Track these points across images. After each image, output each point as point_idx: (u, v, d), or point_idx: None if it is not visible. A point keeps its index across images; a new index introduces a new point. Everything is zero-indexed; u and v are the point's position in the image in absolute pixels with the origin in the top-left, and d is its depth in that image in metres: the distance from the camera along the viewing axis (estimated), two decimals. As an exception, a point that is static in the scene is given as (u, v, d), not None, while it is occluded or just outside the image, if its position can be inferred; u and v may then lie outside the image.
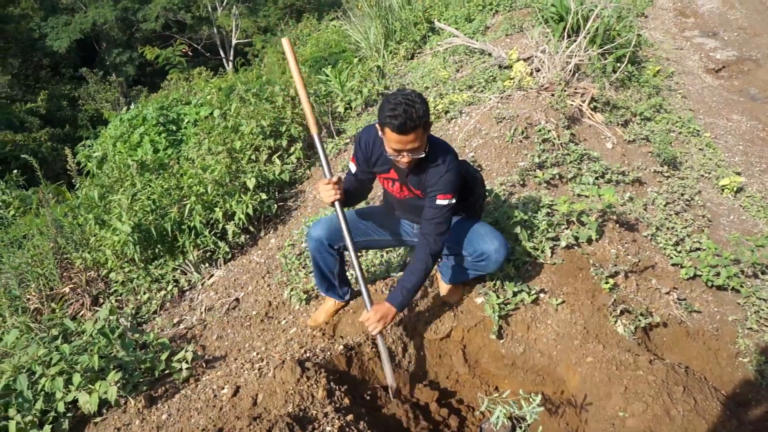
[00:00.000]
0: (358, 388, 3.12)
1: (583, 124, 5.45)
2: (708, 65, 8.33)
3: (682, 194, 4.88)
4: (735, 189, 5.26)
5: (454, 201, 2.92)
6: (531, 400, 2.45)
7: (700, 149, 5.93)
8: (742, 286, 3.80)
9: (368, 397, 3.02)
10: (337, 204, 2.94)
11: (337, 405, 2.68)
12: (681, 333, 3.38)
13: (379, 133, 2.81)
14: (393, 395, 3.04)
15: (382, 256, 4.15)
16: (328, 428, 2.46)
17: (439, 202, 2.89)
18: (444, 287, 3.52)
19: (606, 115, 5.67)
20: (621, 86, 6.54)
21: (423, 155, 2.79)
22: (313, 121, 2.97)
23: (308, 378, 2.80)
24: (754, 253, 3.84)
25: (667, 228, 4.28)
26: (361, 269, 2.97)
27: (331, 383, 2.90)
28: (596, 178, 4.65)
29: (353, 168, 3.13)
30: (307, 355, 3.08)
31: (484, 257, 3.09)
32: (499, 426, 2.61)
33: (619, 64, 6.40)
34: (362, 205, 3.91)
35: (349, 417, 2.61)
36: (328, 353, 3.10)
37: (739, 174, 5.60)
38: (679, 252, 3.97)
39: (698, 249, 4.03)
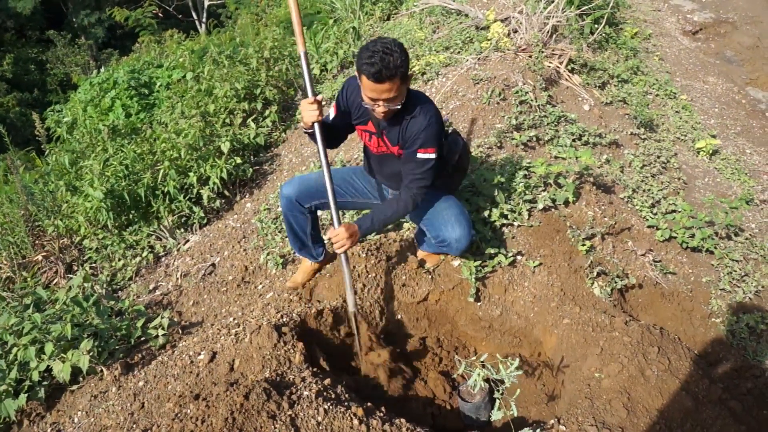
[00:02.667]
0: (335, 351, 3.12)
1: (560, 86, 5.41)
2: (685, 27, 8.31)
3: (659, 157, 4.90)
4: (710, 151, 5.29)
5: (435, 156, 2.87)
6: (509, 363, 2.46)
7: (676, 112, 5.94)
8: (715, 248, 3.84)
9: (345, 362, 3.02)
10: (316, 126, 2.84)
11: (314, 369, 2.67)
12: (656, 294, 3.41)
13: (358, 81, 2.75)
14: (354, 320, 2.98)
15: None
16: (306, 393, 2.45)
17: (420, 155, 2.84)
18: (420, 253, 3.53)
19: (583, 77, 5.64)
20: (599, 48, 6.50)
21: (399, 107, 2.73)
22: (302, 39, 2.84)
23: (285, 343, 2.78)
24: (728, 215, 3.87)
25: (644, 190, 4.30)
26: (334, 192, 2.88)
27: (309, 348, 2.89)
28: (573, 140, 4.64)
29: (331, 113, 3.06)
30: (284, 320, 3.05)
31: (445, 244, 3.10)
32: (477, 389, 2.62)
33: (596, 26, 6.34)
34: (343, 166, 3.83)
35: (327, 381, 2.60)
36: (304, 317, 3.08)
37: (714, 137, 5.63)
38: (655, 214, 4.00)
39: (674, 211, 4.06)
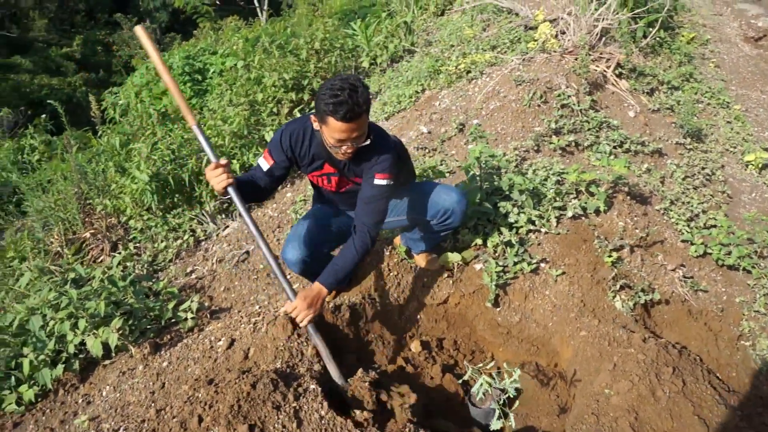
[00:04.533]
0: (352, 346, 3.16)
1: (606, 90, 5.30)
2: (747, 33, 7.97)
3: (703, 168, 4.75)
4: (760, 165, 5.09)
5: (392, 183, 2.77)
6: (513, 372, 2.45)
7: (728, 122, 5.73)
8: (753, 267, 3.71)
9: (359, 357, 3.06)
10: (231, 189, 2.60)
11: (323, 364, 2.71)
12: (682, 312, 3.33)
13: (315, 125, 2.66)
14: (346, 392, 2.66)
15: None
16: (312, 386, 2.50)
17: (377, 181, 2.73)
18: (418, 258, 3.50)
19: (631, 83, 5.51)
20: (651, 53, 6.32)
21: (368, 143, 2.64)
22: (187, 110, 2.62)
23: (299, 335, 2.84)
24: (769, 233, 3.74)
25: (683, 203, 4.19)
26: (276, 260, 2.70)
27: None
28: (614, 147, 4.55)
29: (265, 164, 2.81)
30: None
31: (448, 213, 3.04)
32: (479, 396, 2.62)
33: (650, 30, 6.17)
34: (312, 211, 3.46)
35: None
36: (322, 311, 3.12)
37: (767, 150, 5.41)
38: (692, 228, 3.89)
39: (713, 226, 3.94)
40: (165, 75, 2.56)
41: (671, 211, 4.03)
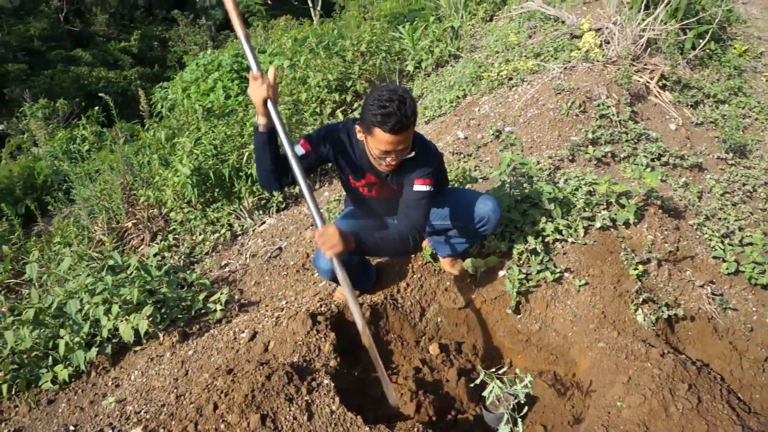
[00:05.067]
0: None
1: (648, 102, 5.23)
2: (806, 47, 7.73)
3: (744, 184, 4.64)
4: (806, 183, 4.94)
5: (432, 189, 2.76)
6: (523, 378, 2.46)
7: (775, 138, 5.58)
8: (788, 288, 3.62)
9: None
10: (269, 103, 2.46)
11: (339, 360, 2.77)
12: (707, 329, 3.27)
13: (359, 135, 2.65)
14: (364, 342, 2.65)
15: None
16: (326, 381, 2.56)
17: (417, 187, 2.72)
18: (444, 262, 3.53)
19: (675, 95, 5.41)
20: (699, 65, 6.20)
21: (412, 155, 2.64)
22: (239, 21, 2.49)
23: (318, 331, 2.91)
24: (807, 255, 3.63)
25: (719, 218, 4.10)
26: (307, 185, 2.54)
27: (342, 339, 3.00)
28: (651, 160, 4.49)
29: (300, 150, 2.71)
30: (323, 309, 3.18)
31: (484, 220, 3.06)
32: (490, 400, 2.63)
33: (700, 41, 6.05)
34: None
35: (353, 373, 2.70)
36: (342, 309, 3.19)
37: (814, 168, 5.24)
38: (725, 245, 3.81)
39: (750, 244, 3.85)
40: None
41: (705, 226, 3.96)
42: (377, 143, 2.51)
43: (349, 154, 2.80)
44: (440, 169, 3.03)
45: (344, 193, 5.04)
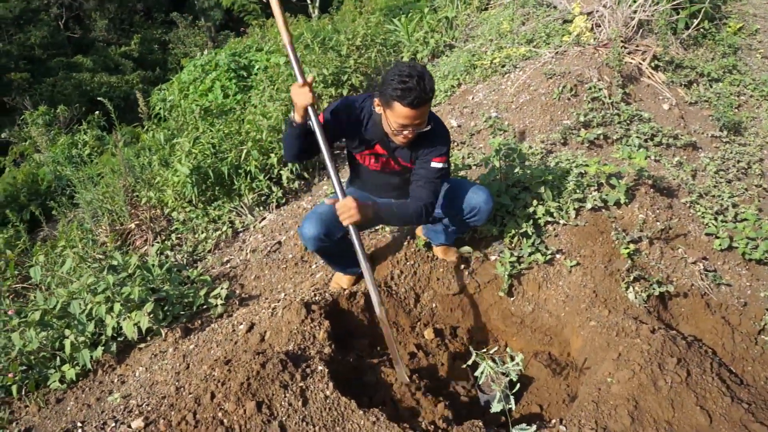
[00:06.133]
0: (366, 332, 3.26)
1: (641, 83, 5.24)
2: (801, 22, 7.69)
3: (739, 161, 4.65)
4: (801, 158, 4.94)
5: (447, 166, 2.92)
6: (515, 357, 2.50)
7: (771, 114, 5.57)
8: (782, 262, 3.65)
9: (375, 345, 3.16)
10: (310, 109, 2.67)
11: (333, 347, 2.82)
12: (700, 305, 3.30)
13: (377, 109, 2.75)
14: (385, 320, 2.82)
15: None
16: (320, 367, 2.61)
17: (434, 164, 2.86)
18: (437, 250, 3.57)
19: (668, 75, 5.42)
20: (693, 44, 6.19)
21: (428, 128, 2.75)
22: (284, 28, 2.69)
23: (312, 320, 2.96)
24: (799, 227, 3.65)
25: (712, 196, 4.12)
26: (335, 165, 2.76)
27: (337, 326, 3.05)
28: (645, 141, 4.51)
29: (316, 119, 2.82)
30: (317, 298, 3.23)
31: (475, 210, 3.10)
32: (482, 380, 2.67)
33: (693, 21, 6.04)
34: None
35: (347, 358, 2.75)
36: (337, 297, 3.24)
37: (810, 142, 5.24)
38: (718, 222, 3.83)
39: (744, 219, 3.86)
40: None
41: (698, 204, 3.97)
42: (396, 117, 2.63)
43: (362, 125, 2.92)
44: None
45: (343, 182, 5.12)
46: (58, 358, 3.44)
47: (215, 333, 3.43)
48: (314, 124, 2.70)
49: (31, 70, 18.37)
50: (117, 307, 3.53)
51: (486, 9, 9.28)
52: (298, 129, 2.78)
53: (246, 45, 9.26)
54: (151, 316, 3.53)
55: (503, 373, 2.50)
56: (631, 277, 3.23)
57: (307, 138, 2.82)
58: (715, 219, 3.86)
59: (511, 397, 2.48)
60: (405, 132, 2.70)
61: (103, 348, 3.49)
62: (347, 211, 2.65)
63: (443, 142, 2.89)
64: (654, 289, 3.22)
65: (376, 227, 3.86)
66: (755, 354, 3.10)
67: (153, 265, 4.02)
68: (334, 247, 3.13)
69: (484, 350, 2.64)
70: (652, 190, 3.85)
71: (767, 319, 3.33)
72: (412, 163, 2.97)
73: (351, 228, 2.72)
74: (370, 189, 3.32)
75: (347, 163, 3.37)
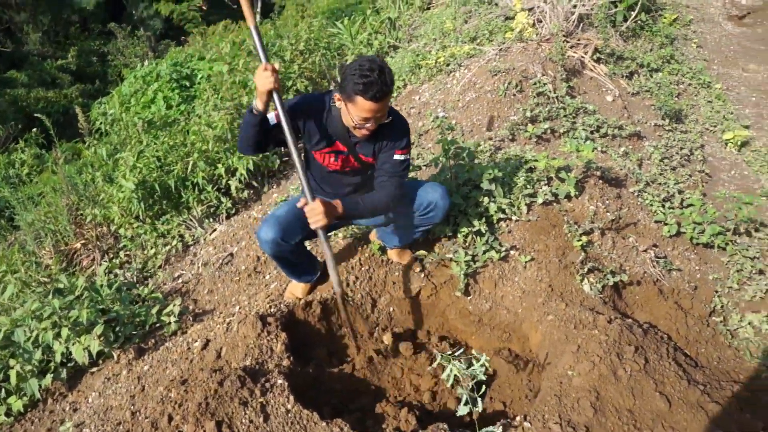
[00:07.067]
0: (324, 341, 3.21)
1: (584, 76, 5.32)
2: (731, 11, 7.96)
3: (681, 149, 4.77)
4: (739, 143, 5.10)
5: (409, 158, 2.94)
6: (480, 358, 2.49)
7: (708, 101, 5.74)
8: (728, 244, 3.74)
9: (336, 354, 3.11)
10: (275, 94, 2.63)
11: (292, 359, 2.77)
12: (653, 292, 3.36)
13: (338, 104, 2.75)
14: (340, 301, 2.94)
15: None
16: (279, 381, 2.55)
17: (396, 157, 2.89)
18: (392, 253, 3.55)
19: (610, 67, 5.53)
20: (632, 36, 6.34)
21: (390, 120, 2.78)
22: (248, 8, 2.65)
23: (269, 333, 2.89)
24: (742, 210, 3.75)
25: (659, 184, 4.21)
26: (303, 163, 2.77)
27: (294, 338, 2.99)
28: (591, 133, 4.58)
29: (275, 120, 2.79)
30: (272, 310, 3.16)
31: (431, 206, 3.10)
32: (450, 383, 2.65)
33: (630, 13, 6.18)
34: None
35: (306, 370, 2.69)
36: (293, 308, 3.18)
37: (747, 127, 5.41)
38: (666, 209, 3.91)
39: (690, 205, 3.95)
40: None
41: (646, 192, 4.06)
42: (359, 111, 2.63)
43: (321, 122, 2.89)
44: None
45: (294, 194, 5.04)
46: (3, 389, 3.28)
47: (170, 352, 3.33)
48: (279, 108, 2.65)
49: (-40, 88, 17.66)
50: (65, 331, 3.39)
51: (428, 8, 9.33)
52: (259, 116, 2.72)
53: (187, 54, 9.09)
54: (102, 338, 3.41)
55: (469, 375, 2.49)
56: (586, 269, 3.27)
57: (265, 130, 2.78)
58: (663, 206, 3.94)
59: (479, 399, 2.47)
60: (367, 125, 2.71)
61: (52, 375, 3.36)
62: (315, 215, 2.70)
63: (404, 133, 2.91)
64: (608, 279, 3.26)
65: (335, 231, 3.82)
66: (707, 336, 3.17)
67: (101, 285, 3.89)
68: (290, 251, 3.09)
69: (450, 353, 2.63)
70: (600, 181, 3.91)
71: (717, 302, 3.42)
72: (373, 157, 2.97)
73: (319, 232, 2.79)
74: (327, 191, 3.25)
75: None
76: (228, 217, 5.58)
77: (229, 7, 17.09)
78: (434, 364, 2.64)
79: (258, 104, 2.68)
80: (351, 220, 3.31)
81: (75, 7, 22.07)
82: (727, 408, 2.52)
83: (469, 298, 3.31)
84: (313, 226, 2.75)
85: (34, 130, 8.34)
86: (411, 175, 4.10)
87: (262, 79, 2.60)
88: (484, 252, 3.36)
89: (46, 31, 22.04)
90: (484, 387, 2.71)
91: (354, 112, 2.66)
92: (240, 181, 5.67)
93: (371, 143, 2.92)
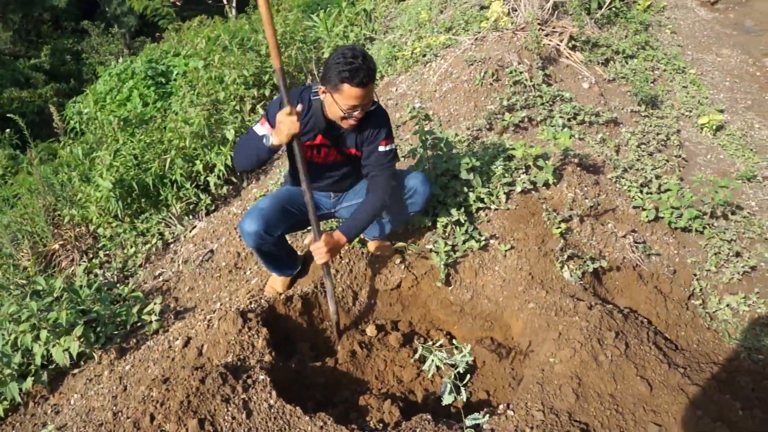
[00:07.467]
0: (306, 336, 3.20)
1: (560, 64, 5.33)
2: (704, -3, 8.05)
3: (658, 134, 4.80)
4: (714, 127, 5.15)
5: (395, 146, 2.97)
6: (462, 348, 2.49)
7: (683, 87, 5.78)
8: (705, 228, 3.78)
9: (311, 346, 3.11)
10: (295, 139, 2.64)
11: (273, 354, 2.75)
12: (633, 277, 3.38)
13: (322, 96, 2.76)
14: (336, 330, 3.08)
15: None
16: (261, 377, 2.54)
17: (382, 149, 2.93)
18: (371, 245, 3.56)
19: (586, 54, 5.55)
20: (607, 23, 6.36)
21: (375, 107, 2.83)
22: (276, 52, 2.50)
23: (250, 329, 2.87)
24: (718, 194, 3.79)
25: (636, 169, 4.24)
26: (312, 201, 2.78)
27: (276, 333, 2.98)
28: (568, 120, 4.59)
29: (262, 130, 2.81)
30: (253, 306, 3.15)
31: (412, 191, 3.14)
32: (431, 373, 2.66)
33: (604, 0, 6.21)
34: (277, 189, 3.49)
35: (288, 365, 2.68)
36: (273, 303, 3.17)
37: (721, 111, 5.47)
38: (644, 194, 3.94)
39: (667, 190, 3.98)
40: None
41: (624, 178, 4.08)
42: (346, 99, 2.63)
43: (304, 116, 2.87)
44: None
45: (273, 188, 5.01)
46: (-18, 395, 3.24)
47: (151, 351, 3.30)
48: (297, 151, 2.65)
49: (-70, 90, 17.34)
50: (44, 334, 3.35)
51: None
52: (266, 152, 2.78)
53: (162, 50, 8.99)
54: (82, 339, 3.37)
55: (451, 365, 2.49)
56: (565, 256, 3.28)
57: (270, 158, 2.87)
58: (641, 191, 3.97)
59: (462, 389, 2.47)
60: (355, 113, 2.71)
61: (32, 378, 3.32)
62: (320, 254, 2.79)
63: (385, 122, 2.94)
64: (588, 265, 3.28)
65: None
66: (687, 319, 3.20)
67: (81, 286, 3.85)
68: (273, 244, 3.09)
69: (431, 343, 2.63)
70: (578, 168, 3.92)
71: (695, 285, 3.46)
72: (356, 148, 2.98)
73: (323, 268, 2.92)
74: (314, 181, 3.21)
75: (286, 156, 3.29)
76: (207, 214, 5.54)
77: (204, 3, 16.89)
78: (416, 355, 2.63)
79: (274, 141, 2.69)
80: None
81: (46, 5, 21.70)
82: (707, 390, 2.55)
83: (450, 288, 3.31)
84: (318, 263, 2.84)
85: (8, 130, 8.19)
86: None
87: (288, 124, 2.57)
88: (464, 242, 3.37)
89: (17, 29, 21.68)
90: (468, 376, 2.72)
91: (341, 101, 2.66)
92: (219, 177, 5.63)
93: (353, 134, 2.93)
